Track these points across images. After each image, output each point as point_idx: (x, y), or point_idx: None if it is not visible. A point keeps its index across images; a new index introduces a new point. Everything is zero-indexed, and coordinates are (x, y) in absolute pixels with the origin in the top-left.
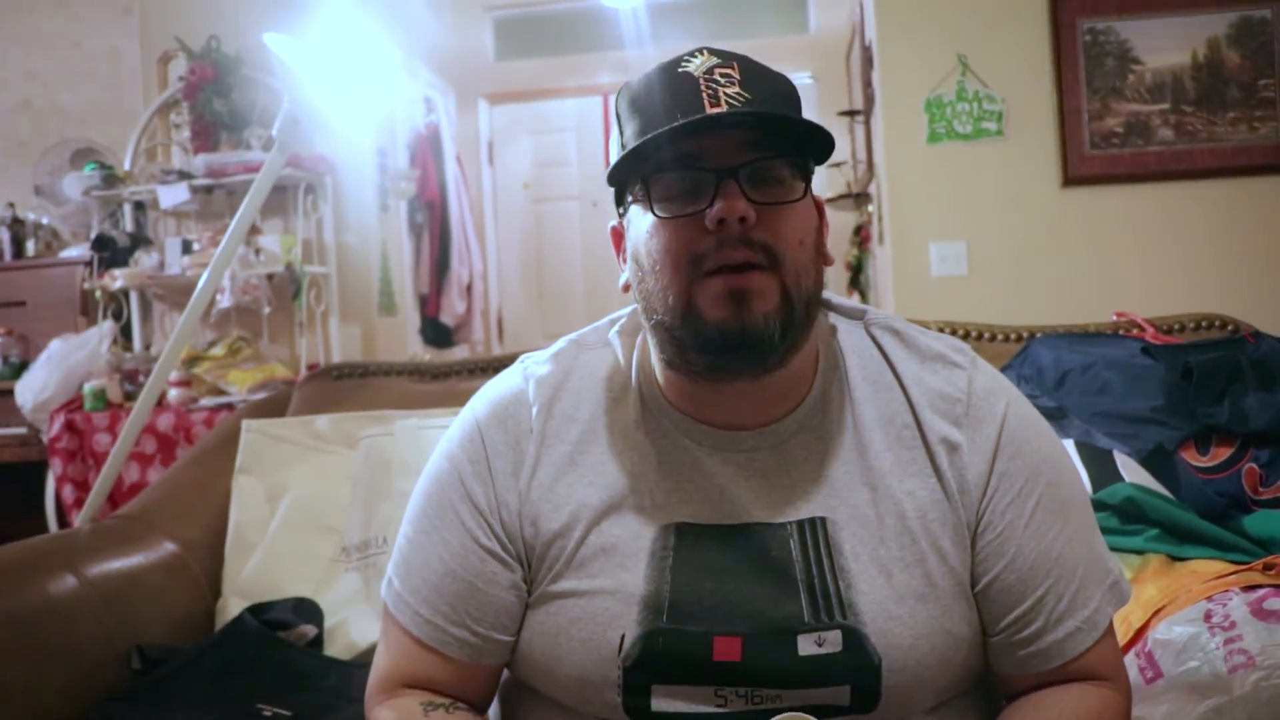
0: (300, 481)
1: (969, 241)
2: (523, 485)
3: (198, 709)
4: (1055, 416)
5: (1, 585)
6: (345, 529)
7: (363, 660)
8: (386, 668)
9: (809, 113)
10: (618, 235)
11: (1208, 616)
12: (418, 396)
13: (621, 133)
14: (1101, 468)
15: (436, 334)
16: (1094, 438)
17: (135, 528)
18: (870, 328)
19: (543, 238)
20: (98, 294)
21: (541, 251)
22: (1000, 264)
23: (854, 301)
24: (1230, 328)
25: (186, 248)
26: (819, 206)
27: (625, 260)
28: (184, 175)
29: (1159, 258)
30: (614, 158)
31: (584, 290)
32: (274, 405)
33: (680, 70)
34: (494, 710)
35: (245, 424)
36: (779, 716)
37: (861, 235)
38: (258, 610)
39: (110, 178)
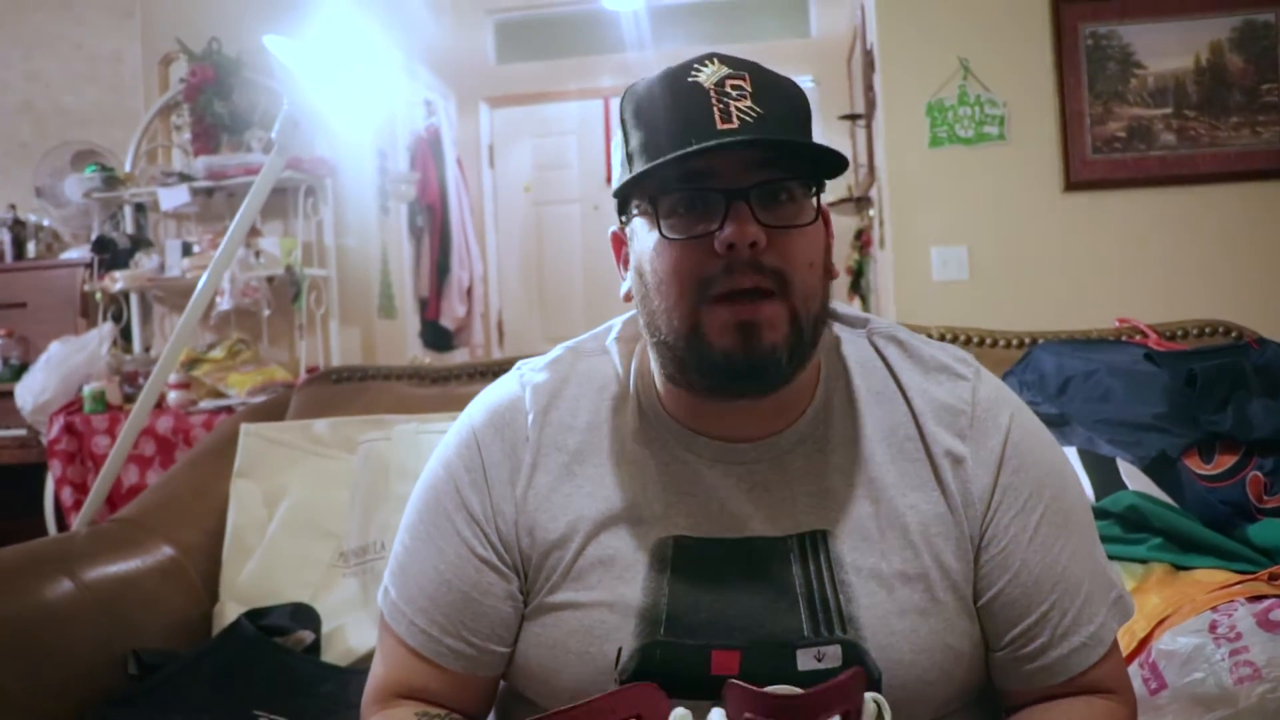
0: (298, 486)
1: (970, 246)
2: (519, 494)
3: (194, 714)
4: (1058, 423)
5: None
6: (343, 534)
7: (360, 666)
8: (382, 677)
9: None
10: (618, 242)
11: (1213, 627)
12: (417, 400)
13: (627, 140)
14: (1104, 475)
15: (436, 337)
16: (1097, 445)
17: (132, 531)
18: (873, 337)
19: (543, 241)
20: (98, 296)
21: (542, 255)
22: (1002, 269)
23: (857, 310)
24: (1234, 334)
25: (187, 250)
26: (825, 218)
27: (625, 268)
28: (184, 177)
29: (1161, 263)
30: (618, 164)
31: (584, 294)
32: (273, 408)
33: (690, 80)
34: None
35: (243, 428)
36: (773, 687)
37: (862, 239)
38: (255, 615)
39: (111, 179)
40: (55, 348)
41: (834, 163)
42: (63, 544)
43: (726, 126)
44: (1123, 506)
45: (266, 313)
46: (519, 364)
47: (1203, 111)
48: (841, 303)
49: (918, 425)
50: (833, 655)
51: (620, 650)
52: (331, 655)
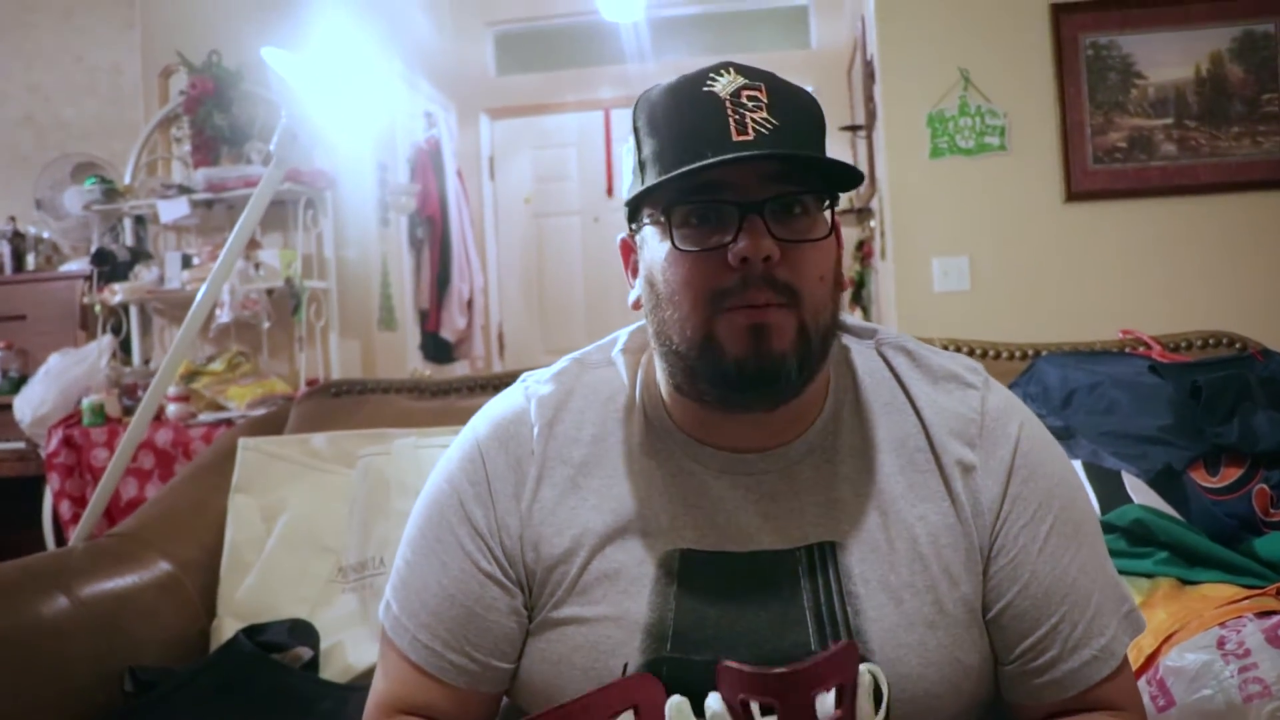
0: (297, 500)
1: (971, 256)
2: (524, 508)
3: None
4: (1062, 436)
5: None
6: (342, 549)
7: (359, 683)
8: (384, 693)
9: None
10: (627, 249)
11: (1221, 643)
12: (417, 414)
13: (639, 147)
14: (1109, 489)
15: (437, 349)
16: (1101, 458)
17: (129, 546)
18: (881, 348)
19: (544, 253)
20: (97, 308)
21: (542, 266)
22: (1003, 279)
23: (865, 321)
24: (1238, 345)
25: (186, 262)
26: (836, 230)
27: (634, 276)
28: (184, 189)
29: (1162, 274)
30: (628, 171)
31: (585, 305)
32: (272, 422)
33: (705, 90)
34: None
35: (242, 442)
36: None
37: (863, 250)
38: (253, 632)
39: (110, 192)
40: (54, 360)
41: (848, 176)
42: (58, 559)
43: (742, 139)
44: (1128, 520)
45: (266, 325)
46: (524, 376)
47: (1203, 122)
48: (849, 314)
49: (927, 436)
50: None
51: (626, 666)
52: (330, 672)
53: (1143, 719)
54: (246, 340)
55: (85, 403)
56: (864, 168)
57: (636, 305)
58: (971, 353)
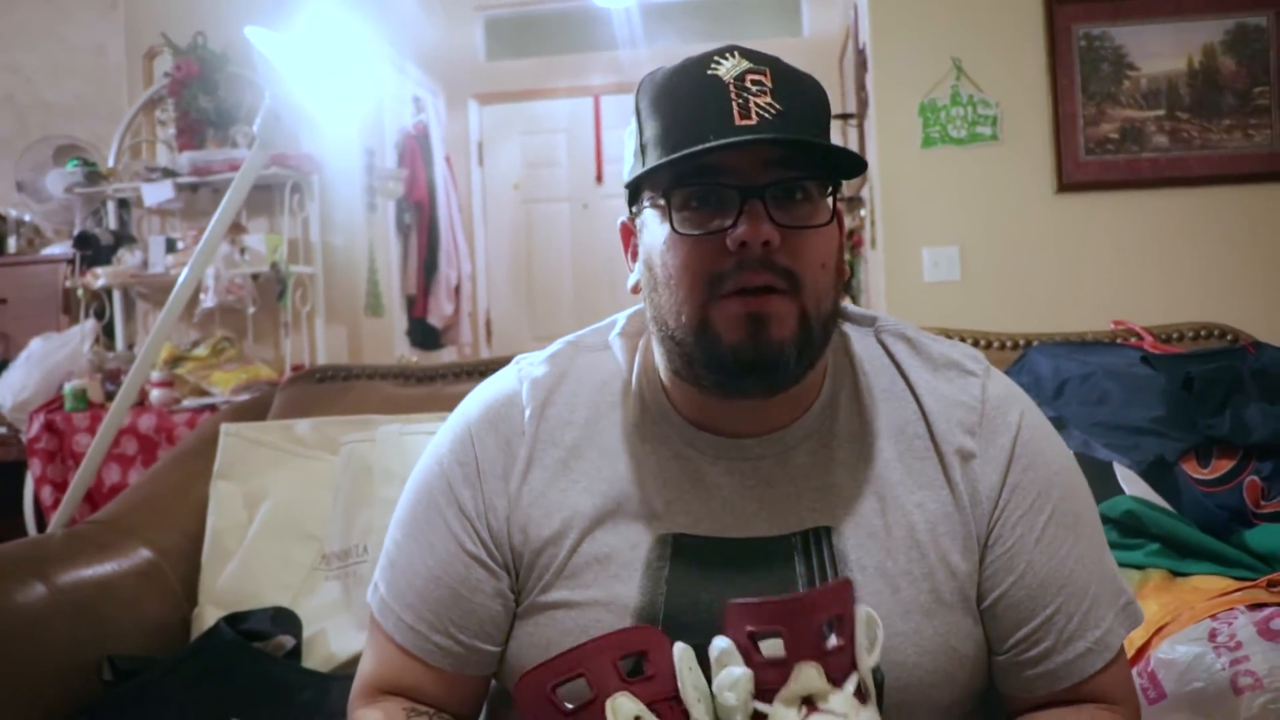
0: (280, 487)
1: (962, 247)
2: (513, 490)
3: None
4: (1054, 426)
5: None
6: (326, 536)
7: (341, 672)
8: (370, 674)
9: None
10: (627, 232)
11: (1212, 636)
12: (402, 400)
13: (641, 130)
14: (1101, 480)
15: (424, 336)
16: (1093, 449)
17: (109, 534)
18: (881, 335)
19: (532, 239)
20: (80, 292)
21: (531, 253)
22: (993, 270)
23: (864, 309)
24: (1230, 337)
25: (170, 246)
26: (840, 219)
27: (634, 259)
28: (168, 173)
29: (1153, 265)
30: (630, 153)
31: (573, 292)
32: (255, 408)
33: (709, 73)
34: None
35: (224, 427)
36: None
37: (854, 240)
38: (234, 620)
39: (93, 174)
40: (36, 344)
41: (851, 163)
42: (36, 546)
43: (745, 123)
44: (1120, 512)
45: (251, 310)
46: (518, 358)
47: (1195, 114)
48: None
49: (927, 423)
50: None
51: None
52: (312, 661)
53: (1136, 713)
54: (231, 325)
55: (67, 388)
56: None
57: (635, 289)
58: (963, 341)
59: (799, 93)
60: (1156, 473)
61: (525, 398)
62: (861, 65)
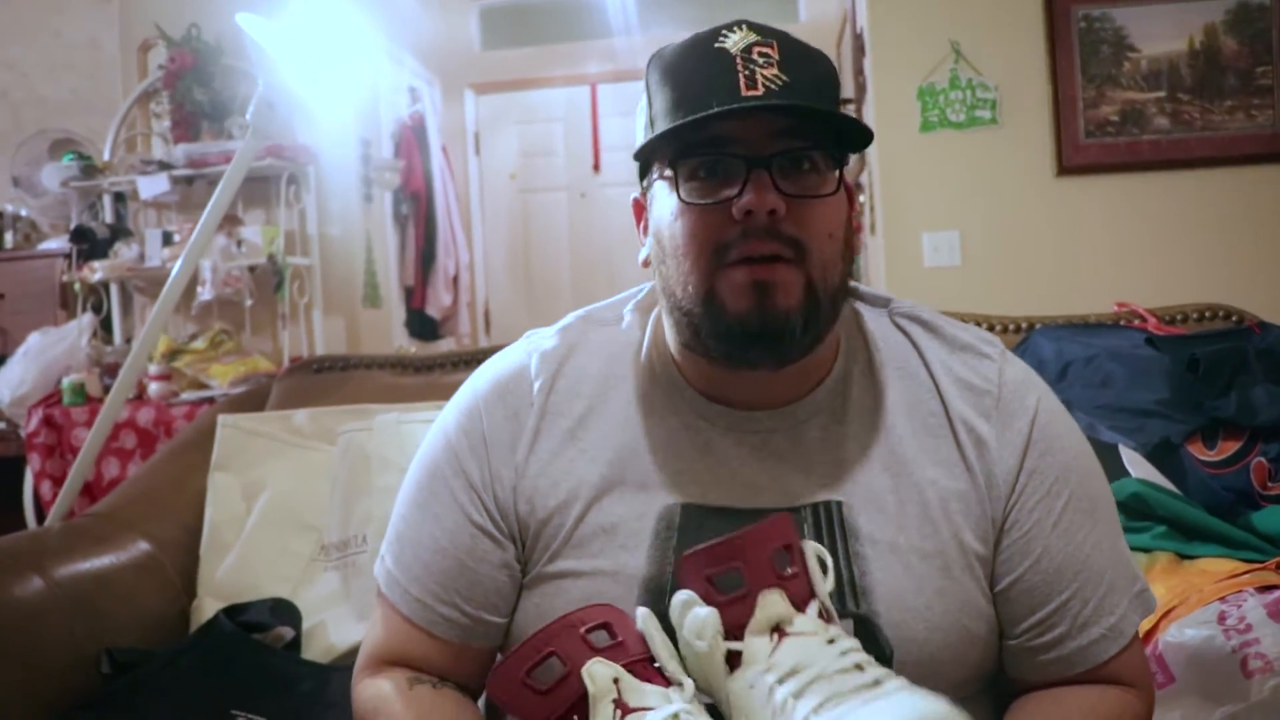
0: (278, 478)
1: (962, 231)
2: (519, 460)
3: (169, 715)
4: None
5: None
6: (324, 527)
7: (341, 664)
8: (376, 645)
9: None
10: (639, 208)
11: (1221, 618)
12: (400, 390)
13: (650, 104)
14: (1106, 462)
15: (422, 327)
16: (1098, 431)
17: (107, 526)
18: (895, 317)
19: (530, 229)
20: (77, 286)
21: (529, 243)
22: (993, 254)
23: (878, 291)
24: (1234, 318)
25: (167, 239)
26: (849, 192)
27: (645, 233)
28: (164, 166)
29: (1155, 248)
30: (640, 129)
31: (572, 282)
32: (253, 399)
33: (717, 46)
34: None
35: (221, 419)
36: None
37: (854, 226)
38: (233, 612)
39: (89, 168)
40: (34, 339)
41: (858, 135)
42: (33, 540)
43: (752, 93)
44: (1126, 494)
45: (249, 303)
46: (528, 333)
47: (1196, 95)
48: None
49: (942, 400)
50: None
51: None
52: (312, 652)
53: (1150, 697)
54: (229, 318)
55: (66, 382)
56: None
57: (646, 263)
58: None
59: (807, 66)
60: (1162, 455)
61: (534, 369)
62: (859, 50)
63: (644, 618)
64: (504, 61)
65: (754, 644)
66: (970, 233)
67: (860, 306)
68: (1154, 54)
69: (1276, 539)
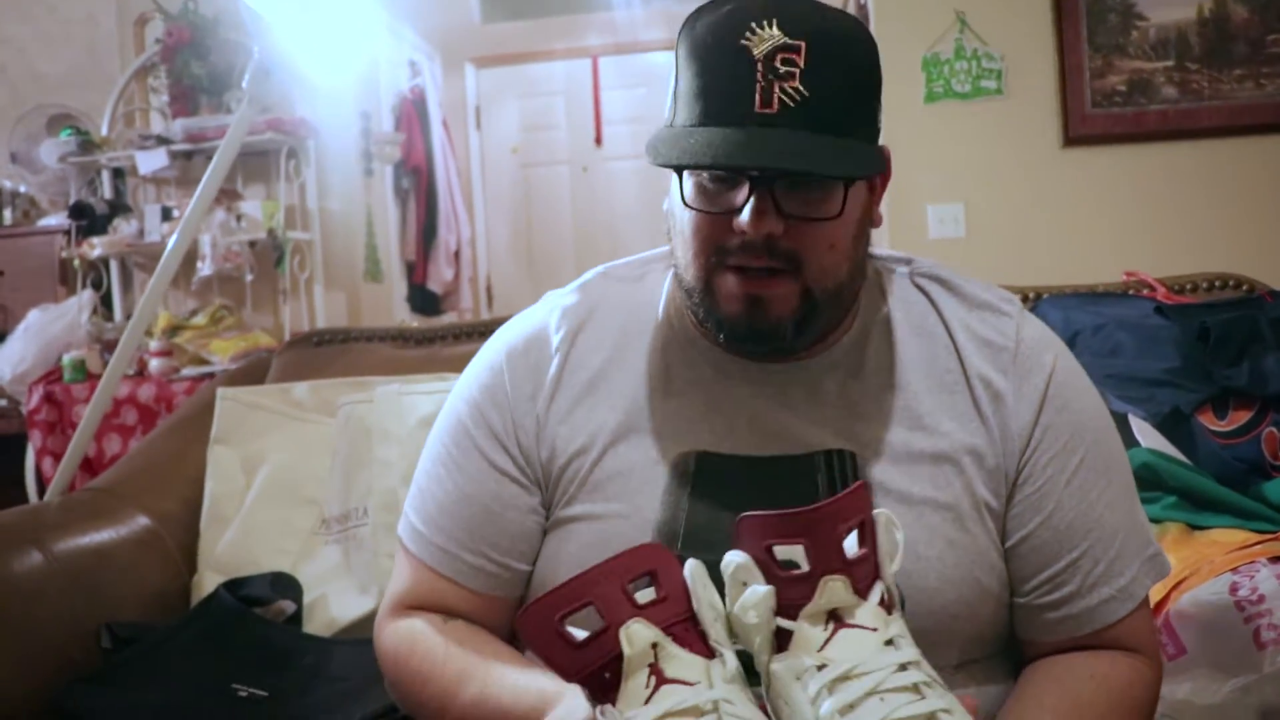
0: (278, 451)
1: (967, 203)
2: (540, 409)
3: (169, 690)
4: None
5: None
6: (325, 500)
7: (343, 637)
8: (399, 593)
9: None
10: None
11: (1234, 589)
12: (402, 362)
13: (678, 77)
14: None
15: (424, 301)
16: (1108, 400)
17: (106, 501)
18: (915, 278)
19: (532, 203)
20: (76, 263)
21: (531, 217)
22: (999, 226)
23: (898, 252)
24: (1245, 287)
25: (166, 214)
26: (885, 157)
27: None
28: (162, 140)
29: (1162, 220)
30: (669, 94)
31: (574, 256)
32: (253, 372)
33: (743, 43)
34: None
35: (220, 392)
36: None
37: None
38: (234, 586)
39: (87, 143)
40: (34, 316)
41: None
42: (32, 514)
43: (765, 111)
44: (1136, 464)
45: (249, 278)
46: (548, 293)
47: (1205, 64)
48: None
49: (959, 357)
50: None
51: None
52: (313, 626)
53: (1158, 664)
54: (229, 293)
55: (66, 359)
56: None
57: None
58: None
59: (835, 72)
60: (1172, 425)
61: (555, 324)
62: (863, 19)
63: (694, 571)
64: (504, 34)
65: (807, 630)
66: (975, 205)
67: (881, 267)
68: (1162, 22)
69: None
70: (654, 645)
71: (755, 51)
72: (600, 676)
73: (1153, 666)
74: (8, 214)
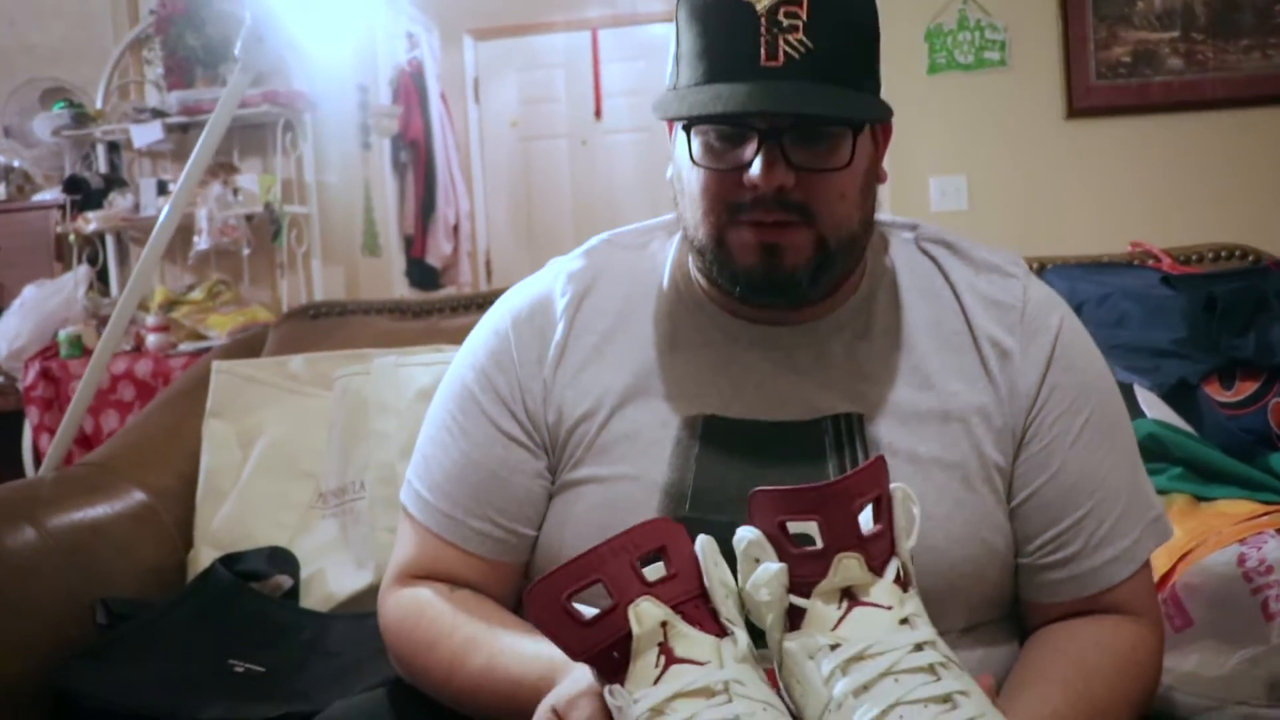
0: (274, 425)
1: (970, 175)
2: (547, 373)
3: (165, 665)
4: None
5: None
6: (321, 474)
7: (341, 612)
8: (404, 561)
9: None
10: (671, 125)
11: (1241, 560)
12: (399, 335)
13: (679, 40)
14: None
15: (423, 275)
16: (1113, 371)
17: (101, 476)
18: (921, 242)
19: (531, 177)
20: (71, 238)
21: (530, 191)
22: (1002, 198)
23: (904, 218)
24: (1251, 257)
25: (162, 188)
26: (886, 128)
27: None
28: (157, 113)
29: (1166, 192)
30: (670, 58)
31: (574, 230)
32: (249, 346)
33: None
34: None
35: (215, 365)
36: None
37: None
38: (230, 560)
39: (81, 117)
40: (29, 292)
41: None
42: (26, 489)
43: (770, 64)
44: (1141, 435)
45: (246, 252)
46: (552, 260)
47: (1211, 35)
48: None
49: (966, 318)
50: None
51: None
52: (310, 600)
53: (1159, 629)
54: (226, 268)
55: (62, 334)
56: None
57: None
58: None
59: (838, 24)
60: (1178, 395)
61: (560, 289)
62: None
63: (705, 547)
64: (503, 6)
65: (821, 608)
66: (978, 177)
67: (887, 232)
68: None
69: None
70: (663, 624)
71: (757, 6)
72: (609, 655)
73: (1155, 630)
74: (1, 189)
